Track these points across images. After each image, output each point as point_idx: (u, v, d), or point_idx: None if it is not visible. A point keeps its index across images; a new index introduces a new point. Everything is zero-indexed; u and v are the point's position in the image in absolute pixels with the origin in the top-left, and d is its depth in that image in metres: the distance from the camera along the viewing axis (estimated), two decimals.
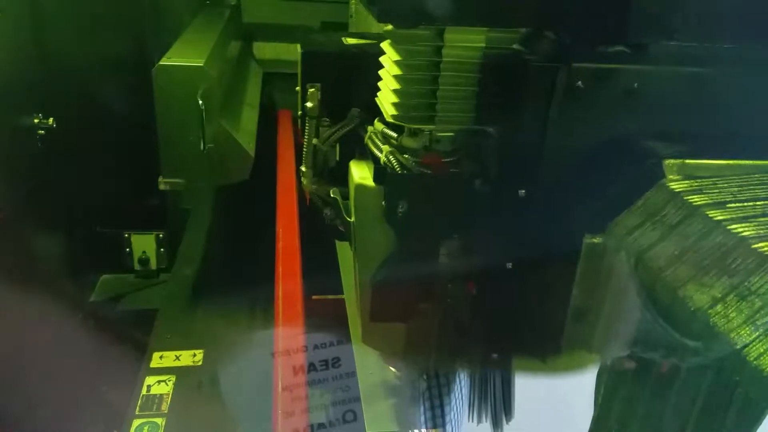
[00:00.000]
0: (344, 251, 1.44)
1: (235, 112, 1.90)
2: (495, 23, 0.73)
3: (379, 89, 0.85)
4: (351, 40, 1.01)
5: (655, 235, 0.63)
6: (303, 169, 0.96)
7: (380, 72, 0.84)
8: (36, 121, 1.55)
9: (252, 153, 1.72)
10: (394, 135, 0.80)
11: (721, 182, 0.64)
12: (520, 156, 0.74)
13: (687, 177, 0.65)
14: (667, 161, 0.66)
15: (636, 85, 0.70)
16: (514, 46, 0.73)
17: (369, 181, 0.81)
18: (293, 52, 2.87)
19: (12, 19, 1.44)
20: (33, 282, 1.57)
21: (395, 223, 0.79)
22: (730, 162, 0.66)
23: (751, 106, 0.72)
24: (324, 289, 1.53)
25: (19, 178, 1.50)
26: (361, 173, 0.83)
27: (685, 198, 0.62)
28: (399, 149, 0.79)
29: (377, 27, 1.24)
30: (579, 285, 0.73)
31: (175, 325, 1.72)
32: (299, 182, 1.99)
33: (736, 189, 0.63)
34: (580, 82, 0.69)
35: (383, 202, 0.79)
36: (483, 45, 0.73)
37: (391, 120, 0.78)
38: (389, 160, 0.79)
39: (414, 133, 0.77)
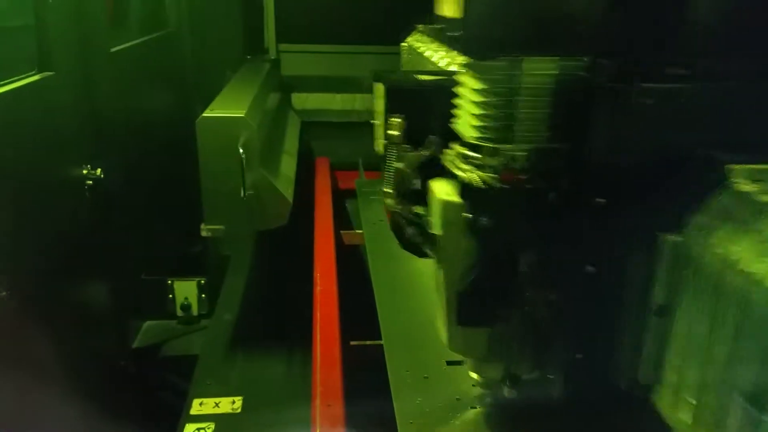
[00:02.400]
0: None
1: (274, 160, 1.94)
2: (568, 52, 0.84)
3: (453, 117, 0.96)
4: (424, 77, 1.13)
5: (730, 231, 0.70)
6: (386, 190, 1.06)
7: (457, 101, 0.94)
8: (84, 172, 1.61)
9: (290, 199, 1.75)
10: (475, 155, 0.89)
11: None
12: (597, 168, 0.85)
13: (753, 180, 0.73)
14: (733, 166, 0.74)
15: (696, 100, 0.81)
16: (585, 71, 0.84)
17: (453, 197, 0.90)
18: (330, 101, 2.95)
19: (64, 76, 1.52)
20: (79, 329, 1.60)
21: (479, 234, 0.89)
22: None
23: None
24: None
25: (68, 227, 1.56)
26: (444, 191, 0.92)
27: (755, 198, 0.70)
28: (479, 168, 0.88)
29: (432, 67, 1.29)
30: (659, 282, 0.80)
31: (216, 371, 1.73)
32: (336, 226, 2.02)
33: None
34: (649, 101, 0.80)
35: (467, 216, 0.88)
36: (556, 72, 0.84)
37: (472, 141, 0.88)
38: (471, 178, 0.88)
39: (493, 153, 0.87)
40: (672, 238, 0.79)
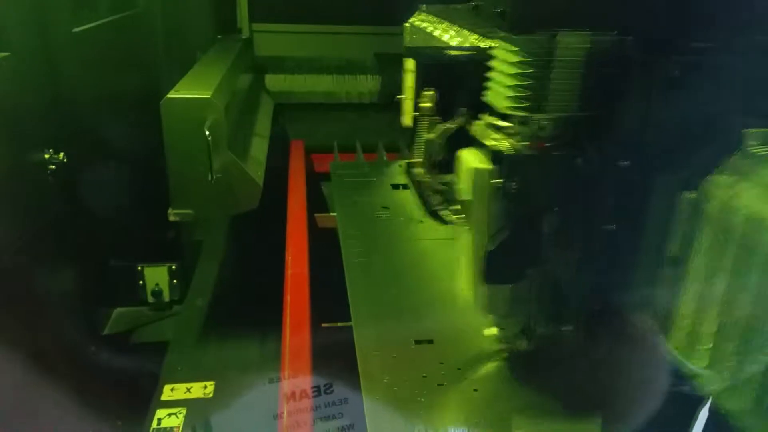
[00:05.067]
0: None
1: (244, 142, 1.91)
2: (602, 26, 0.89)
3: (481, 89, 1.01)
4: (452, 52, 1.18)
5: (746, 188, 0.80)
6: (415, 160, 1.16)
7: (491, 73, 0.99)
8: (47, 156, 1.57)
9: (260, 182, 1.72)
10: (506, 124, 0.94)
11: None
12: (624, 134, 0.92)
13: (766, 143, 0.81)
14: (749, 130, 0.81)
15: (721, 72, 0.87)
16: (615, 45, 0.90)
17: (483, 164, 0.96)
18: (307, 83, 2.92)
19: (21, 57, 1.47)
20: (46, 317, 1.58)
21: (510, 198, 0.94)
22: None
23: None
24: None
25: (31, 213, 1.52)
26: (474, 159, 0.99)
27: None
28: (510, 136, 0.94)
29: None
30: (676, 236, 0.90)
31: (187, 357, 1.71)
32: (311, 210, 2.00)
33: None
34: (677, 72, 0.87)
35: (498, 181, 0.94)
36: (588, 46, 0.90)
37: (506, 112, 0.94)
38: (503, 146, 0.94)
39: (523, 122, 0.92)
40: (689, 194, 0.87)
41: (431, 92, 1.09)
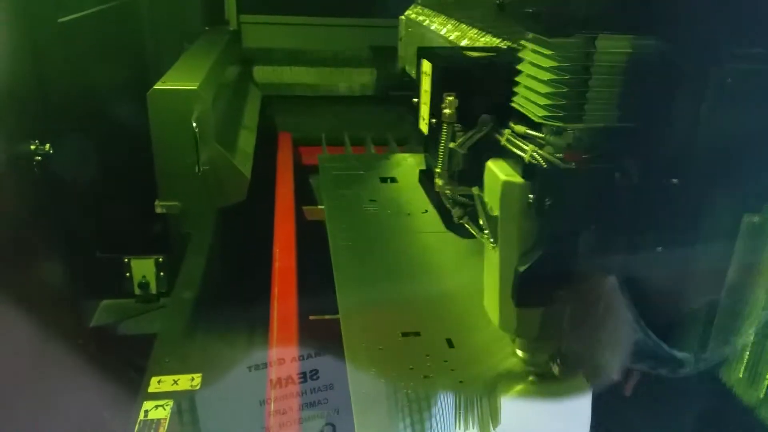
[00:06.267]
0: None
1: (231, 134, 1.91)
2: (645, 30, 0.81)
3: (507, 95, 0.93)
4: (473, 53, 1.09)
5: None
6: (438, 171, 1.03)
7: (520, 78, 0.91)
8: (32, 147, 1.56)
9: (248, 174, 1.73)
10: (540, 135, 0.87)
11: None
12: (671, 147, 0.83)
13: None
14: None
15: None
16: (660, 50, 0.82)
17: (515, 178, 0.88)
18: (295, 75, 2.91)
19: (5, 47, 1.46)
20: (32, 309, 1.57)
21: (542, 215, 0.87)
22: None
23: None
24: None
25: (16, 204, 1.51)
26: (504, 171, 0.90)
27: None
28: (543, 147, 0.86)
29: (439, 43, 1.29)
30: (737, 262, 0.82)
31: (174, 349, 1.71)
32: (298, 202, 2.00)
33: None
34: (729, 80, 0.78)
35: (529, 196, 0.86)
36: (630, 50, 0.82)
37: (539, 121, 0.85)
38: (535, 158, 0.86)
39: (558, 132, 0.85)
40: (751, 217, 0.79)
41: (452, 97, 0.97)
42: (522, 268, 0.91)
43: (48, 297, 1.68)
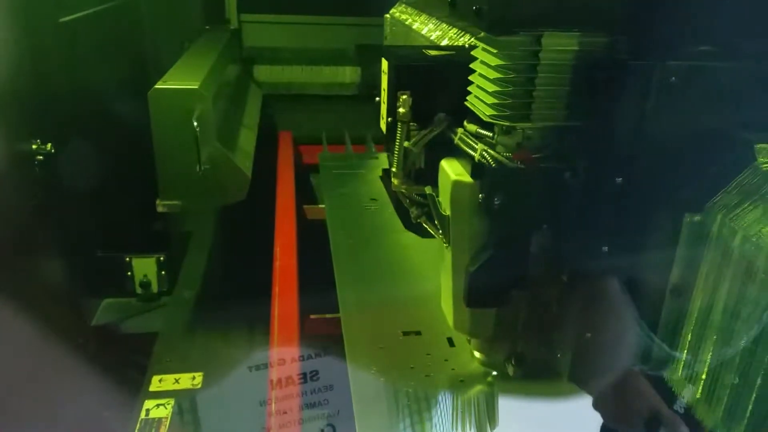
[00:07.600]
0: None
1: (232, 133, 1.91)
2: (591, 28, 0.81)
3: (462, 94, 0.93)
4: (432, 52, 1.08)
5: (756, 212, 0.72)
6: (394, 170, 1.02)
7: (473, 77, 0.91)
8: (34, 147, 1.56)
9: (249, 173, 1.73)
10: (489, 134, 0.87)
11: None
12: (617, 146, 0.82)
13: None
14: (759, 145, 0.74)
15: (723, 79, 0.79)
16: (607, 48, 0.81)
17: (465, 177, 0.88)
18: (295, 74, 2.91)
19: (5, 47, 1.46)
20: (33, 308, 1.57)
21: (492, 215, 0.86)
22: None
23: None
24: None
25: (18, 204, 1.51)
26: (455, 170, 0.90)
27: None
28: (493, 147, 0.86)
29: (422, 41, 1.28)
30: (678, 262, 0.82)
31: (175, 348, 1.71)
32: (299, 201, 2.01)
33: None
34: (673, 78, 0.78)
35: (479, 196, 0.86)
36: (577, 48, 0.81)
37: (488, 120, 0.85)
38: (484, 157, 0.86)
39: (507, 131, 0.85)
40: (693, 217, 0.79)
41: (406, 96, 0.96)
42: (472, 269, 0.90)
43: (49, 296, 1.68)
